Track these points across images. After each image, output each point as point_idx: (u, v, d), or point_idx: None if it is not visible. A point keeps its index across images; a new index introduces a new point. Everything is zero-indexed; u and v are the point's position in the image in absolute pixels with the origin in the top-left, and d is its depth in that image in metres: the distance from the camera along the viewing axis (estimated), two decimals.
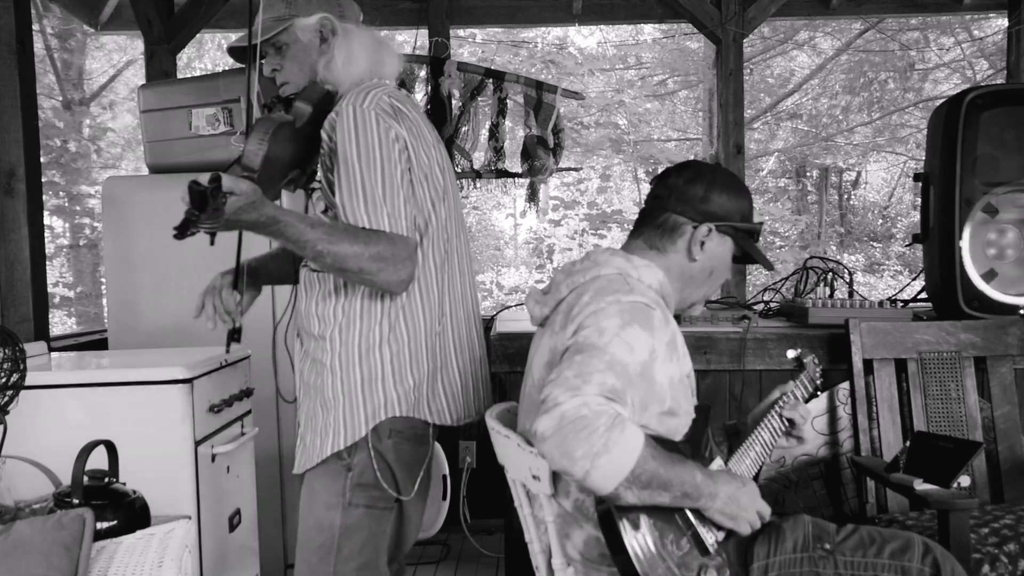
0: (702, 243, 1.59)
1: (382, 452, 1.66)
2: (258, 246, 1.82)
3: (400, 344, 1.67)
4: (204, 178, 1.31)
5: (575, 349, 1.39)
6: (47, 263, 3.14)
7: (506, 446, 1.51)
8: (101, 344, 3.07)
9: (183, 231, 1.33)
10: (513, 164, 3.77)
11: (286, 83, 1.74)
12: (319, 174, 1.71)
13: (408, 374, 1.67)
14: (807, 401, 1.78)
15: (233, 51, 1.79)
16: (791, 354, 1.85)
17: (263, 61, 1.74)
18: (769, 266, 1.68)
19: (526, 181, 3.78)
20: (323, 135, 1.66)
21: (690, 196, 1.60)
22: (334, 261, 1.54)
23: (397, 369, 1.66)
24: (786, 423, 1.69)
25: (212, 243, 1.46)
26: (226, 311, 1.77)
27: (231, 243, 1.67)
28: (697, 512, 1.41)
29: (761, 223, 1.69)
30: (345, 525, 1.66)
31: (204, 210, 1.30)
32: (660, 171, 1.70)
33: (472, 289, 1.85)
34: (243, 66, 1.71)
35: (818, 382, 1.85)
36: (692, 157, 9.97)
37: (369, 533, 1.67)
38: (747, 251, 1.64)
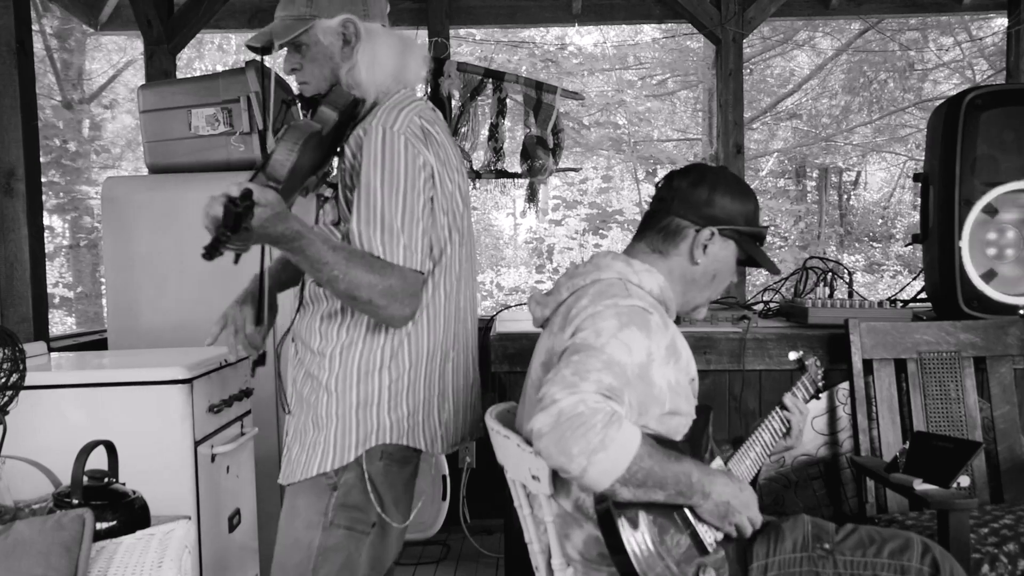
0: (704, 247, 1.59)
1: (371, 474, 1.62)
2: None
3: (400, 371, 1.63)
4: (234, 191, 1.24)
5: (572, 350, 1.39)
6: (47, 263, 3.14)
7: (506, 446, 1.51)
8: (101, 344, 3.06)
9: (212, 252, 1.23)
10: (513, 164, 3.76)
11: (306, 83, 1.67)
12: (339, 189, 1.64)
13: (403, 402, 1.63)
14: (807, 402, 1.79)
15: (252, 46, 1.72)
16: (793, 356, 1.85)
17: (282, 59, 1.69)
18: (774, 269, 1.67)
19: (526, 181, 3.77)
20: (347, 151, 1.61)
21: (693, 199, 1.59)
22: (347, 287, 1.48)
23: (393, 396, 1.62)
24: (786, 423, 1.69)
25: (236, 262, 1.38)
26: (252, 346, 1.70)
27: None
28: (695, 510, 1.41)
29: (766, 227, 1.68)
30: (324, 545, 1.62)
31: (237, 231, 1.22)
32: (664, 174, 1.70)
33: (474, 314, 1.82)
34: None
35: (819, 384, 1.84)
36: (692, 157, 9.99)
37: (347, 555, 1.64)
38: (752, 255, 1.64)
